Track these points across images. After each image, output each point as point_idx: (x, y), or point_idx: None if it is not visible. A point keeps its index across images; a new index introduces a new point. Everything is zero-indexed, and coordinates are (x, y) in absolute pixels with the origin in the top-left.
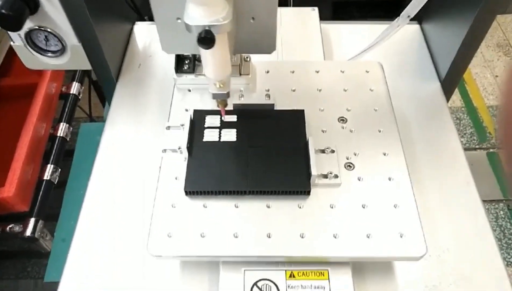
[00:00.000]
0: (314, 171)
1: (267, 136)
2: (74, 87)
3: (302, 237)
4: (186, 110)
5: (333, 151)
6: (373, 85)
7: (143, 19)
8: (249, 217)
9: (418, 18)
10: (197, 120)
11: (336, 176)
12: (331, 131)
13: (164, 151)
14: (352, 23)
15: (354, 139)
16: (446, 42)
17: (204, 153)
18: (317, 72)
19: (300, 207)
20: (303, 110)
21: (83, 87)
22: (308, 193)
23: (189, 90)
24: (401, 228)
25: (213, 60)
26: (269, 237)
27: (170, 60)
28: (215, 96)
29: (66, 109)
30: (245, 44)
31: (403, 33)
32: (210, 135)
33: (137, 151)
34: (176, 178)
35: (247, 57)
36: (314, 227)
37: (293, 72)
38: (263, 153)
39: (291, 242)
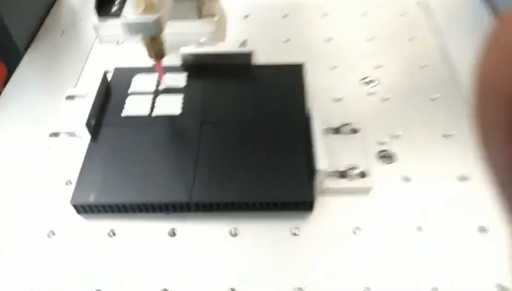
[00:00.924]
0: (321, 164)
1: (236, 107)
2: None
3: None
4: (107, 73)
5: (355, 131)
6: (415, 32)
7: None
8: (196, 254)
9: None
10: (118, 84)
11: (362, 174)
12: (351, 100)
13: (55, 134)
14: None
15: (392, 112)
16: None
17: (119, 137)
18: (325, 15)
19: (295, 234)
20: (301, 65)
21: None
22: (311, 206)
23: (118, 43)
24: (499, 277)
25: None
26: None
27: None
28: (133, 28)
29: None
30: None
31: None
32: (135, 107)
33: (25, 148)
34: (67, 183)
35: None
36: (323, 275)
37: (285, 16)
38: (226, 135)
39: None
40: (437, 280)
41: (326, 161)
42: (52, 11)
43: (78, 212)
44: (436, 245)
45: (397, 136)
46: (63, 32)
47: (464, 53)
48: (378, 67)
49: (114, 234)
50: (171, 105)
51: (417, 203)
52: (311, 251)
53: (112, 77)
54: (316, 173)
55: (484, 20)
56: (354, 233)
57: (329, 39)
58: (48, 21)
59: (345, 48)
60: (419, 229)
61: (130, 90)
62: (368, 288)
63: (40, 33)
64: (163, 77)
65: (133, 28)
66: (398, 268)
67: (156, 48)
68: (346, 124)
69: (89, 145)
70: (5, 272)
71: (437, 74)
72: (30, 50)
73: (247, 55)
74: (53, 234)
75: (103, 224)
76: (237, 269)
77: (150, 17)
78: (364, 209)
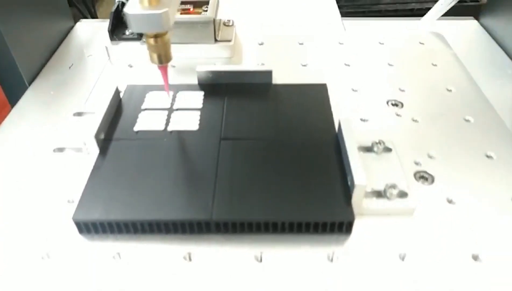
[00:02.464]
0: (358, 179)
1: (258, 124)
2: None
3: None
4: (118, 89)
5: (389, 149)
6: (435, 58)
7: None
8: (216, 282)
9: (473, 12)
10: (131, 100)
11: (403, 194)
12: (379, 120)
13: (60, 150)
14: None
15: (425, 133)
16: None
17: (130, 151)
18: (341, 44)
19: (330, 260)
20: (324, 84)
21: None
22: (349, 228)
23: (130, 67)
24: None
25: None
26: None
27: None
28: (137, 22)
29: None
30: None
31: (461, 29)
32: (148, 121)
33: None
34: (69, 201)
35: (228, 21)
36: None
37: (302, 44)
38: (245, 151)
39: None
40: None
41: (363, 174)
42: (61, 46)
43: (80, 231)
44: (496, 277)
45: (432, 157)
46: (71, 66)
47: (487, 79)
48: (402, 90)
49: (119, 257)
50: (188, 121)
51: (466, 228)
52: (351, 280)
53: (124, 94)
54: (353, 189)
55: (496, 54)
56: (401, 258)
57: (348, 65)
58: (56, 55)
59: (366, 72)
60: (476, 258)
61: (144, 106)
62: None
63: (48, 66)
64: (166, 85)
65: (138, 22)
66: None
67: (161, 50)
68: (379, 142)
69: (97, 159)
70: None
71: (466, 98)
72: (35, 82)
73: (267, 74)
74: (48, 256)
75: (107, 246)
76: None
77: (156, 11)
78: (409, 232)
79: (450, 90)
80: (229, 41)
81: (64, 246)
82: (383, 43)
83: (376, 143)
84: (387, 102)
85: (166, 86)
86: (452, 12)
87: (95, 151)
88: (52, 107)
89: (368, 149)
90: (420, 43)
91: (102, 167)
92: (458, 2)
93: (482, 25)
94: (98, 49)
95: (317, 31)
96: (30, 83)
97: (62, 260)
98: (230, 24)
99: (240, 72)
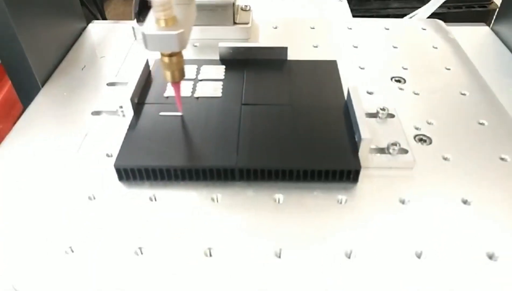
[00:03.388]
0: (365, 133)
1: (275, 93)
2: None
3: (348, 257)
4: (148, 61)
5: (392, 115)
6: (436, 42)
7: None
8: (239, 220)
9: (482, 17)
10: (159, 72)
11: (404, 151)
12: (383, 93)
13: (97, 113)
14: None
15: (424, 104)
16: None
17: (162, 112)
18: (350, 29)
19: (340, 202)
20: (334, 61)
21: None
22: (356, 176)
23: None
24: None
25: None
26: (279, 256)
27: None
28: (153, 42)
29: None
30: None
31: (473, 36)
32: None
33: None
34: (108, 155)
35: (246, 6)
36: (371, 240)
37: (313, 28)
38: (264, 114)
39: (327, 270)
40: (493, 246)
41: (368, 130)
42: (74, 47)
43: (120, 177)
44: (485, 219)
45: (430, 123)
46: (83, 67)
47: (500, 84)
48: (405, 68)
49: (155, 199)
50: (212, 90)
51: (459, 179)
52: (359, 218)
53: (153, 67)
54: (360, 143)
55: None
56: (401, 202)
57: (356, 46)
58: (69, 56)
59: (372, 53)
60: (465, 202)
61: None
62: (420, 251)
63: (60, 68)
64: (178, 99)
65: (154, 42)
66: (451, 234)
67: (175, 68)
68: (383, 109)
69: (132, 118)
70: (46, 229)
71: (462, 75)
72: (48, 83)
73: (283, 50)
74: (94, 197)
75: (144, 191)
76: (284, 231)
77: (172, 32)
78: (409, 182)
79: (448, 69)
80: (247, 24)
81: (106, 190)
82: (388, 29)
83: (381, 109)
84: (391, 79)
85: (179, 103)
86: (460, 17)
87: (129, 113)
88: (66, 108)
89: (373, 115)
90: (422, 28)
91: (138, 124)
92: (466, 7)
93: (494, 31)
94: (111, 50)
95: (327, 17)
96: (43, 84)
97: (105, 202)
98: (248, 9)
99: (258, 48)
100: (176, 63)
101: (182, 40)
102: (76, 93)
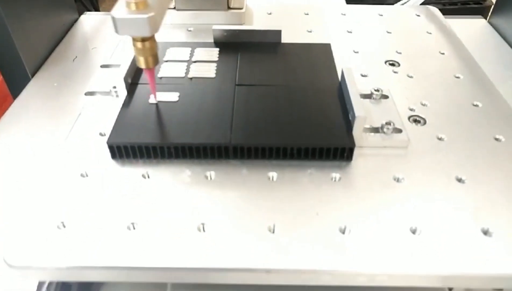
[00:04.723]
0: (358, 111)
1: (269, 74)
2: None
3: (343, 233)
4: None
5: (386, 96)
6: (430, 28)
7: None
8: (233, 197)
9: (477, 14)
10: None
11: (398, 130)
12: (377, 76)
13: (91, 93)
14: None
15: (418, 87)
16: None
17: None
18: (344, 15)
19: (334, 180)
20: (328, 44)
21: None
22: (350, 154)
23: None
24: None
25: None
26: (272, 232)
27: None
28: (123, 25)
29: None
30: None
31: (470, 28)
32: (170, 70)
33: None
34: (101, 134)
35: None
36: (366, 216)
37: (307, 14)
38: (258, 94)
39: (321, 244)
40: (487, 222)
41: (363, 108)
42: (65, 38)
43: (113, 155)
44: (477, 195)
45: (425, 105)
46: (75, 58)
47: (499, 74)
48: (399, 53)
49: (148, 177)
50: (205, 70)
51: (453, 156)
52: (353, 195)
53: None
54: (354, 121)
55: (505, 52)
56: (395, 180)
57: (350, 32)
58: (60, 47)
59: (366, 38)
60: (460, 180)
61: (165, 58)
62: (415, 227)
63: (51, 58)
64: (153, 90)
65: (124, 26)
66: (446, 211)
67: (148, 54)
68: (377, 90)
69: (126, 98)
70: (38, 204)
71: (456, 59)
72: (38, 74)
73: (277, 33)
74: (87, 175)
75: (137, 169)
76: (277, 209)
77: (142, 15)
78: (403, 161)
79: (443, 53)
80: (241, 9)
81: (99, 168)
82: (382, 15)
83: (375, 90)
84: (385, 62)
85: (153, 90)
86: (456, 14)
87: (123, 93)
88: (58, 92)
89: (368, 96)
90: (416, 15)
91: (131, 104)
92: (462, 4)
93: (491, 24)
94: (103, 42)
95: (321, 3)
96: (33, 75)
97: (97, 179)
98: None
99: (252, 31)
100: (149, 49)
101: (153, 24)
102: (68, 78)
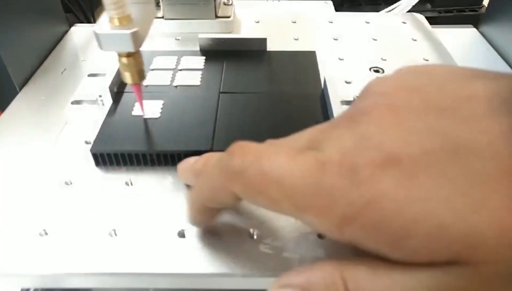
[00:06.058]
0: None
1: (253, 82)
2: None
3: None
4: None
5: None
6: (415, 35)
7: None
8: None
9: (472, 21)
10: None
11: None
12: (361, 82)
13: (77, 102)
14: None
15: None
16: None
17: None
18: (331, 22)
19: None
20: (313, 51)
21: None
22: None
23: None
24: None
25: None
26: (252, 238)
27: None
28: (107, 41)
29: None
30: None
31: (460, 37)
32: (156, 78)
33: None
34: (87, 142)
35: (228, 0)
36: None
37: (295, 22)
38: (241, 101)
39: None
40: None
41: None
42: (55, 51)
43: (97, 163)
44: None
45: None
46: (63, 70)
47: None
48: (384, 60)
49: (131, 184)
50: (191, 78)
51: None
52: None
53: None
54: None
55: (496, 62)
56: None
57: (336, 39)
58: (49, 60)
59: (352, 45)
60: None
61: (151, 67)
62: None
63: (40, 71)
64: (140, 102)
65: (107, 42)
66: None
67: (133, 69)
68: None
69: (111, 106)
70: (19, 212)
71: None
72: (26, 87)
73: (262, 41)
74: (71, 182)
75: (121, 176)
76: (260, 215)
77: (125, 31)
78: None
79: (427, 60)
80: (229, 17)
81: (83, 176)
82: (369, 22)
83: (357, 97)
84: (370, 69)
85: (141, 105)
86: (451, 21)
87: (108, 102)
88: (45, 103)
89: (350, 103)
90: (403, 22)
91: (116, 112)
92: (457, 11)
93: (481, 33)
94: (93, 54)
95: (309, 11)
96: (21, 88)
97: (81, 186)
98: (230, 3)
99: (237, 39)
100: (134, 65)
101: (137, 40)
102: (56, 91)
